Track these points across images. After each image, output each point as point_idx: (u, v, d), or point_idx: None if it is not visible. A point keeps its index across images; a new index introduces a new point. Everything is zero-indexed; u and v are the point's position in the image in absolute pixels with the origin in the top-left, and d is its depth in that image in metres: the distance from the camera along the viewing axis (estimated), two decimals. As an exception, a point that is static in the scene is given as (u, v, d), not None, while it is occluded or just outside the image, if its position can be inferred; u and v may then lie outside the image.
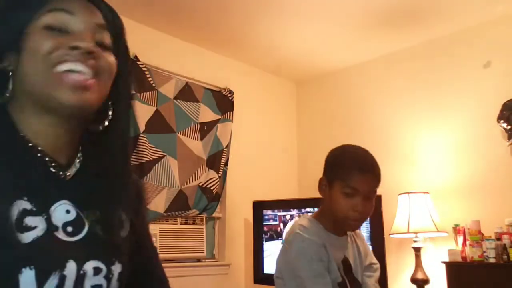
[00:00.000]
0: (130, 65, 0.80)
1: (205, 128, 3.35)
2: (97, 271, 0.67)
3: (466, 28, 3.13)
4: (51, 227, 0.64)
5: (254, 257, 3.21)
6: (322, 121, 3.94)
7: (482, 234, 2.67)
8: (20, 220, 0.61)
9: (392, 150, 3.32)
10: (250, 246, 3.32)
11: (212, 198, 3.29)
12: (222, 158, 3.38)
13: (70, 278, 0.63)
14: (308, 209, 3.08)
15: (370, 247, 1.66)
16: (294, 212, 3.20)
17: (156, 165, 2.99)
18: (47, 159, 0.68)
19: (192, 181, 3.19)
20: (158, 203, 2.96)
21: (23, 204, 0.63)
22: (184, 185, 3.13)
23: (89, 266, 0.66)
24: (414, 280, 2.83)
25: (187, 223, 3.28)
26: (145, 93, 2.99)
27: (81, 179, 0.71)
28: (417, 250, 2.86)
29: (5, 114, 0.67)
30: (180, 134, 3.18)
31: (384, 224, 2.87)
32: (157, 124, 3.04)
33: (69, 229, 0.66)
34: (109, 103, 0.73)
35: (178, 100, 3.21)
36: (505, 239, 2.54)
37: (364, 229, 2.84)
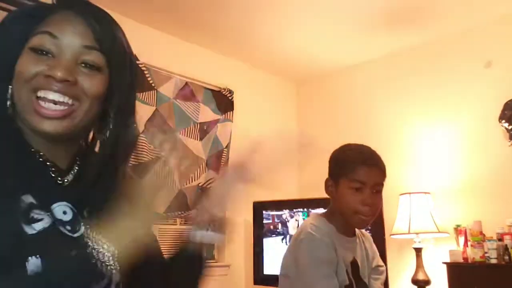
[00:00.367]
0: (132, 77, 0.80)
1: (205, 128, 3.34)
2: None
3: (467, 28, 3.12)
4: (56, 221, 0.67)
5: (254, 258, 3.20)
6: (322, 121, 3.93)
7: (484, 235, 2.66)
8: (27, 213, 0.64)
9: (393, 150, 3.30)
10: (250, 246, 3.30)
11: (212, 198, 3.27)
12: (222, 158, 3.37)
13: None
14: (308, 209, 3.07)
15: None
16: (293, 212, 3.19)
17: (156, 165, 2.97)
18: (47, 163, 0.73)
19: (192, 181, 3.18)
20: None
21: (29, 199, 0.66)
22: (184, 185, 3.12)
23: None
24: (415, 281, 2.82)
25: (187, 223, 3.27)
26: (144, 93, 2.98)
27: (79, 184, 0.75)
28: (418, 250, 2.85)
29: (14, 122, 0.72)
30: (180, 134, 3.17)
31: (385, 225, 2.85)
32: (157, 124, 3.03)
33: (68, 227, 0.69)
34: (110, 116, 0.76)
35: (177, 100, 3.20)
36: (507, 240, 2.53)
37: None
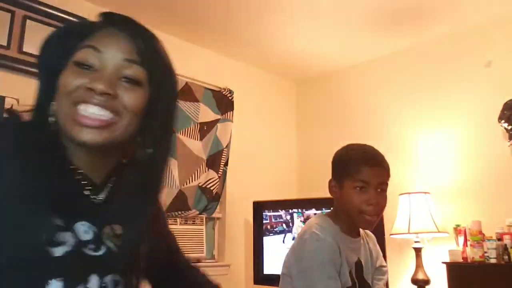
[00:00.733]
0: (173, 93, 0.81)
1: (205, 128, 3.34)
2: (115, 284, 0.72)
3: (467, 28, 3.13)
4: (79, 242, 0.69)
5: (254, 258, 3.20)
6: (322, 121, 3.93)
7: (483, 235, 2.66)
8: (52, 235, 0.65)
9: (392, 150, 3.30)
10: (250, 246, 3.30)
11: (212, 198, 3.28)
12: (222, 158, 3.37)
13: None
14: (307, 209, 3.07)
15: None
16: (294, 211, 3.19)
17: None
18: (83, 182, 0.74)
19: (192, 181, 3.18)
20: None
21: (57, 220, 0.67)
22: (184, 185, 3.12)
23: (109, 279, 0.71)
24: (414, 281, 2.82)
25: (186, 223, 3.28)
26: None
27: (111, 201, 0.76)
28: (417, 250, 2.85)
29: (56, 136, 0.72)
30: (180, 134, 3.17)
31: (385, 225, 2.85)
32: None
33: (91, 246, 0.71)
34: (150, 133, 0.76)
35: (177, 100, 3.20)
36: (506, 240, 2.53)
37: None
